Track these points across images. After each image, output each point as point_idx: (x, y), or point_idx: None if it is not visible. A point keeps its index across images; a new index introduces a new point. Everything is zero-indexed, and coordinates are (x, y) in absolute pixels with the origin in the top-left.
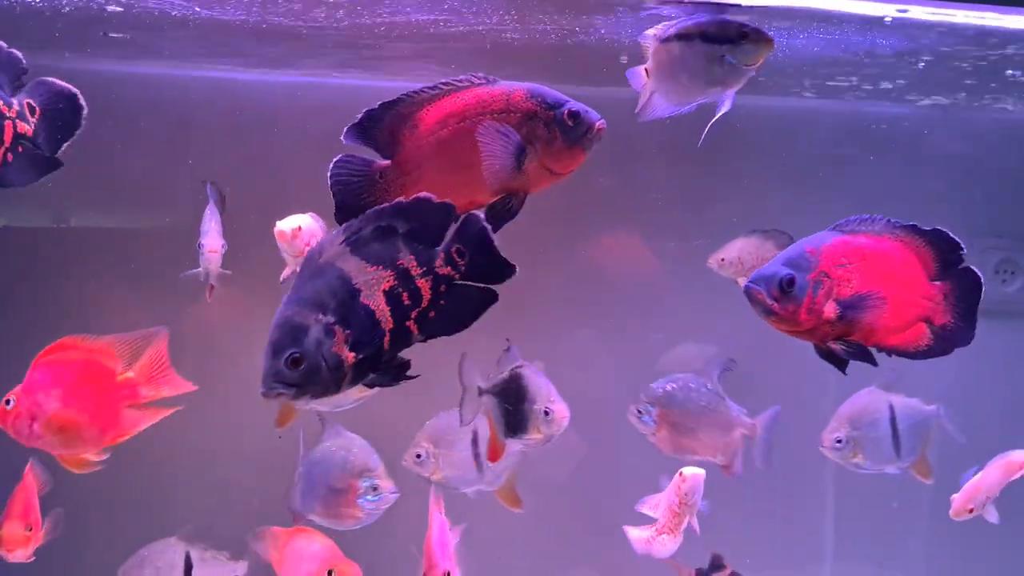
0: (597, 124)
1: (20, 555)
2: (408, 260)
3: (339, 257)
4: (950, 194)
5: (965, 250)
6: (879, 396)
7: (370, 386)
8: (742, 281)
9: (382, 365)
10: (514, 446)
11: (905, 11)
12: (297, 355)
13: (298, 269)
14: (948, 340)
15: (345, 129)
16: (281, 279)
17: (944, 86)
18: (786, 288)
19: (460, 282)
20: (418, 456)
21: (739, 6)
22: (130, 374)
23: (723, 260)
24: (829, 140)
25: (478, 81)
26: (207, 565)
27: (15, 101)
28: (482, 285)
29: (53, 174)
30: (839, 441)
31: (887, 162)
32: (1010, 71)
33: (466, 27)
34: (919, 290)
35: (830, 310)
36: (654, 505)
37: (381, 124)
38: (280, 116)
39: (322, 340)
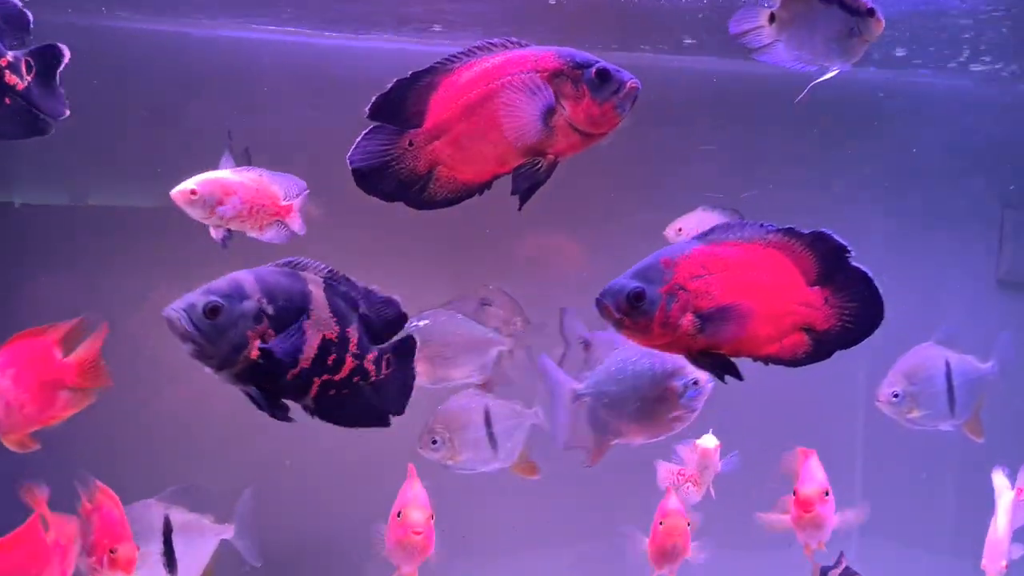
0: (629, 83)
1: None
2: (353, 334)
3: (313, 282)
4: (987, 166)
5: (852, 252)
6: (936, 352)
7: (247, 395)
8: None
9: (268, 393)
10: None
11: None
12: (219, 307)
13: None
14: (838, 343)
15: (372, 100)
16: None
17: (984, 54)
18: (634, 302)
19: (367, 387)
20: (433, 442)
21: None
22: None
23: (680, 230)
24: (866, 109)
25: (510, 44)
26: (190, 528)
27: (10, 53)
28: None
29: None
30: (896, 396)
31: (924, 133)
32: None
33: None
34: (795, 297)
35: (688, 323)
36: (689, 451)
37: (410, 94)
38: (315, 82)
39: (247, 317)
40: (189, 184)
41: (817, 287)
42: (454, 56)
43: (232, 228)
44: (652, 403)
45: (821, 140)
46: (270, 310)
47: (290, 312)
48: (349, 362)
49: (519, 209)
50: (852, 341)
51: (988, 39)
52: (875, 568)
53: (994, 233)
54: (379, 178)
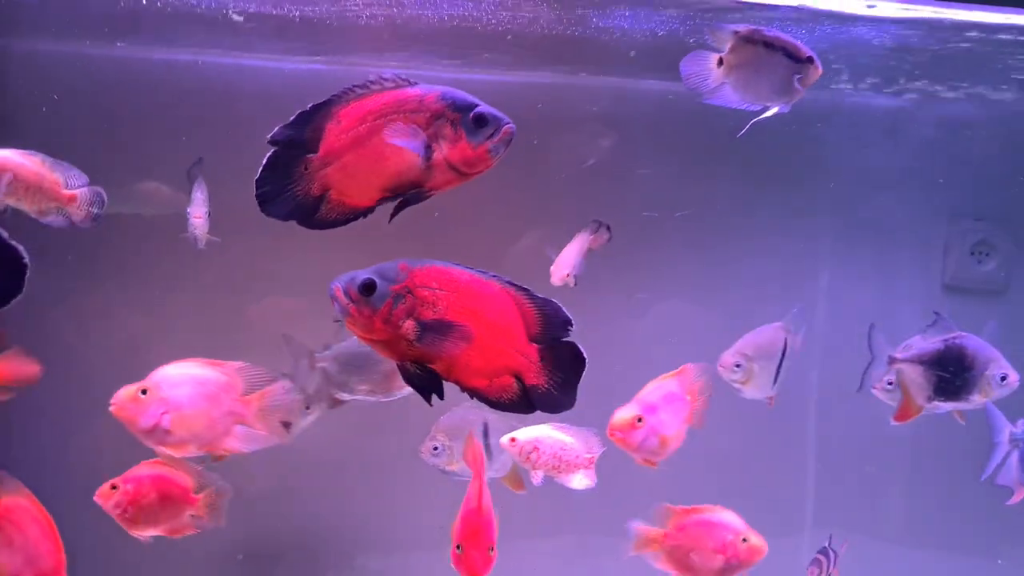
0: (504, 128)
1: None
2: None
3: None
4: (932, 179)
5: (573, 327)
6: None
7: None
8: (554, 272)
9: None
10: None
11: (874, 6)
12: None
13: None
14: (538, 402)
15: (275, 128)
16: None
17: (923, 76)
18: (364, 292)
19: None
20: (435, 448)
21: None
22: None
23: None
24: (808, 127)
25: (401, 82)
26: None
27: None
28: None
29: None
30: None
31: (868, 148)
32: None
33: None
34: (513, 342)
35: (408, 328)
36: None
37: (310, 123)
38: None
39: None
40: None
41: (535, 345)
42: (350, 89)
43: (10, 204)
44: None
45: (763, 162)
46: None
47: None
48: None
49: (389, 221)
50: (552, 408)
51: (917, 63)
52: None
53: (939, 242)
54: (279, 201)
